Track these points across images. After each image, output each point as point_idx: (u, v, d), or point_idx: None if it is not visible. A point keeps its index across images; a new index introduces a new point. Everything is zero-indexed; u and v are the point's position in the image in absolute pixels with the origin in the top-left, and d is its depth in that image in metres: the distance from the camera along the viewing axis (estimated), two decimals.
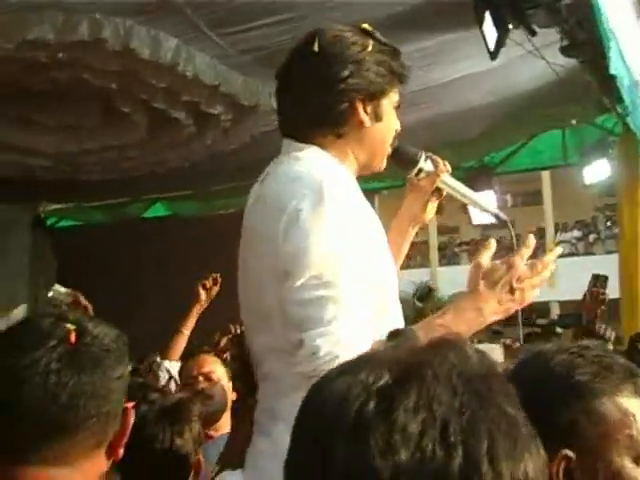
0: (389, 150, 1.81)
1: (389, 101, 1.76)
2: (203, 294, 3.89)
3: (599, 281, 4.52)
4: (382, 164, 1.81)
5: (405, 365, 0.71)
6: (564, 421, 1.20)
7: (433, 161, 1.94)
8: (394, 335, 0.99)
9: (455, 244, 26.26)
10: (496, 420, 0.69)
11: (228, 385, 3.07)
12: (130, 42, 3.97)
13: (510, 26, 3.55)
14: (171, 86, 4.56)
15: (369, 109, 1.71)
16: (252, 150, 5.11)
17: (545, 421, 1.19)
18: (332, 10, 4.06)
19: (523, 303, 1.62)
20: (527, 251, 1.65)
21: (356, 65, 1.68)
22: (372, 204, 1.97)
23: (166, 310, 4.44)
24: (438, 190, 1.98)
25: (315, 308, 1.50)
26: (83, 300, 3.63)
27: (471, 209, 7.20)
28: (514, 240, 1.84)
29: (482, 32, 3.50)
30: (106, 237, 7.92)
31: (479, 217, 7.56)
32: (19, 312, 5.04)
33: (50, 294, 3.74)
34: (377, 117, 1.73)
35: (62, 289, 3.69)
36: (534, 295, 1.62)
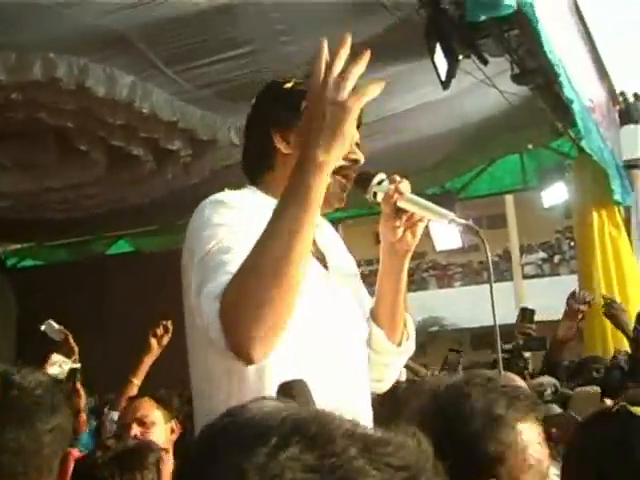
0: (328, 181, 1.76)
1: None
2: (154, 342, 3.71)
3: (526, 315, 4.62)
4: (327, 197, 1.67)
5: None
6: (491, 453, 1.24)
7: (390, 181, 1.81)
8: (283, 389, 0.95)
9: (422, 269, 26.39)
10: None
11: (165, 426, 3.02)
12: (85, 80, 3.96)
13: (460, 56, 3.61)
14: (128, 123, 4.55)
15: (289, 138, 1.74)
16: (213, 184, 5.09)
17: (472, 454, 1.23)
18: (286, 44, 4.11)
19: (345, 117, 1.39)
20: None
21: (270, 103, 1.79)
22: (337, 232, 2.01)
23: (131, 347, 4.39)
24: (404, 212, 1.79)
25: (211, 271, 1.49)
26: (71, 341, 3.58)
27: (435, 233, 7.26)
28: (487, 249, 1.82)
29: (434, 63, 3.56)
30: (69, 276, 7.83)
31: (442, 243, 7.64)
32: None
33: (43, 327, 3.69)
34: (295, 144, 1.71)
35: (55, 325, 3.65)
36: (357, 99, 1.40)
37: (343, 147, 1.40)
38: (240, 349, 1.42)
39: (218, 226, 1.57)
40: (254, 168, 1.81)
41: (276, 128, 1.76)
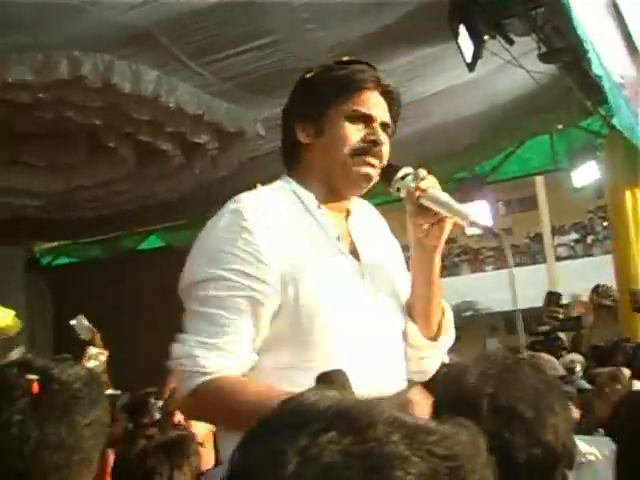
0: (349, 163, 1.76)
1: (335, 114, 1.77)
2: None
3: (553, 299, 4.56)
4: (348, 180, 1.78)
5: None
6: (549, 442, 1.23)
7: (415, 176, 1.77)
8: (322, 379, 0.96)
9: (454, 254, 26.23)
10: None
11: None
12: (111, 77, 3.98)
13: (486, 37, 3.56)
14: (155, 118, 4.57)
15: (309, 128, 1.78)
16: (241, 176, 5.12)
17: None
18: (311, 31, 4.08)
19: None
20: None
21: (294, 96, 1.84)
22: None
23: (169, 342, 4.43)
24: (428, 208, 1.74)
25: (187, 319, 1.68)
26: (98, 341, 3.60)
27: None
28: (507, 251, 1.79)
29: (458, 45, 3.52)
30: (103, 272, 7.92)
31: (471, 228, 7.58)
32: (16, 354, 5.02)
33: (73, 322, 3.71)
34: (318, 133, 1.77)
35: (85, 322, 3.67)
36: None
37: None
38: (184, 414, 1.87)
39: (231, 267, 1.63)
40: (287, 161, 1.86)
41: (298, 121, 1.80)
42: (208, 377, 1.58)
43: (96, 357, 2.80)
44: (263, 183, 1.84)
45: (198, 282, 1.66)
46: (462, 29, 3.43)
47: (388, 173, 1.78)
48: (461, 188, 7.00)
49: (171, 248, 8.36)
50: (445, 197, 1.71)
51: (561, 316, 4.94)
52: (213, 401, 1.60)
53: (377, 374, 1.63)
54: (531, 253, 24.81)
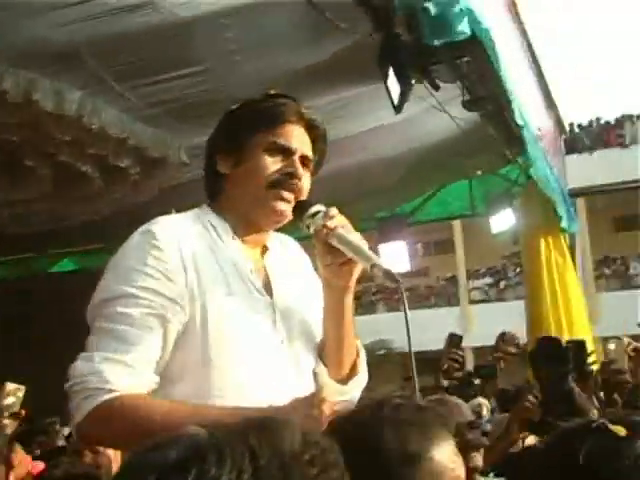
0: (264, 196, 1.75)
1: (255, 145, 1.78)
2: None
3: (453, 341, 4.65)
4: (262, 214, 1.77)
5: (195, 446, 0.74)
6: None
7: (325, 214, 1.71)
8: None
9: (370, 292, 26.47)
10: None
11: (115, 453, 2.96)
12: (32, 94, 3.87)
13: (413, 81, 3.64)
14: (77, 139, 4.46)
15: (229, 160, 1.80)
16: (162, 203, 5.04)
17: None
18: (240, 63, 4.09)
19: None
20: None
21: (218, 127, 1.86)
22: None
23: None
24: (335, 249, 1.68)
25: (92, 336, 1.64)
26: None
27: (383, 256, 7.30)
28: (404, 298, 1.62)
29: (386, 87, 3.57)
30: (9, 294, 7.62)
31: (390, 266, 7.67)
32: None
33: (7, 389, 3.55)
34: (236, 164, 1.79)
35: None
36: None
37: None
38: (80, 437, 1.68)
39: (140, 285, 1.61)
40: (208, 191, 1.87)
41: (219, 151, 1.82)
42: (113, 394, 1.52)
43: (14, 393, 2.67)
44: (184, 210, 1.82)
45: (106, 300, 1.62)
46: (391, 71, 3.49)
47: (300, 208, 1.75)
48: (381, 228, 7.09)
49: (85, 271, 8.16)
50: (353, 237, 1.65)
51: (460, 359, 5.00)
52: (117, 419, 1.52)
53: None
54: (447, 295, 25.27)
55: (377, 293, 26.26)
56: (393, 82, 3.55)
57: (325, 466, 0.75)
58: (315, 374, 1.71)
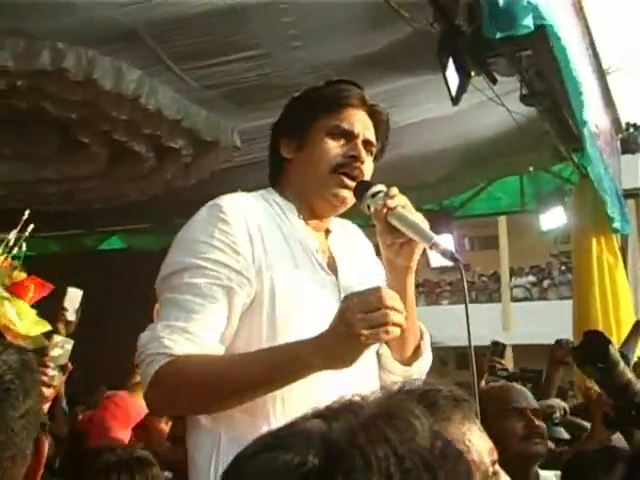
0: (326, 181, 1.75)
1: (318, 129, 1.78)
2: None
3: (497, 350, 4.55)
4: (323, 199, 1.77)
5: (335, 447, 0.65)
6: None
7: (386, 194, 1.72)
8: None
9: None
10: None
11: None
12: (92, 73, 3.92)
13: (472, 73, 3.60)
14: (132, 118, 4.51)
15: (292, 144, 1.81)
16: (212, 186, 5.08)
17: None
18: (297, 49, 4.08)
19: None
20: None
21: (283, 113, 1.88)
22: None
23: (120, 345, 4.34)
24: (395, 228, 1.71)
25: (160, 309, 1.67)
26: (69, 328, 3.49)
27: (430, 252, 7.24)
28: (464, 282, 1.68)
29: (445, 77, 3.54)
30: (59, 268, 7.75)
31: (437, 260, 7.62)
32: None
33: (71, 290, 3.60)
34: (299, 148, 1.80)
35: (78, 300, 3.55)
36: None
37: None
38: (150, 407, 1.69)
39: (207, 256, 1.62)
40: (271, 175, 1.89)
41: (283, 136, 1.83)
42: (171, 358, 1.54)
43: (62, 345, 2.71)
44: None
45: (172, 272, 1.64)
46: (450, 62, 3.45)
47: (360, 189, 1.75)
48: (428, 220, 7.04)
49: (132, 250, 8.27)
50: (412, 217, 1.67)
51: (500, 366, 4.94)
52: (176, 378, 1.53)
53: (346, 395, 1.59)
54: (488, 291, 25.04)
55: (419, 286, 26.16)
56: (452, 73, 3.51)
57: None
58: (379, 355, 1.73)
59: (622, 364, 2.14)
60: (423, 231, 1.65)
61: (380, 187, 1.72)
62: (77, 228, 8.11)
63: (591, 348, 2.21)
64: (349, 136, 1.77)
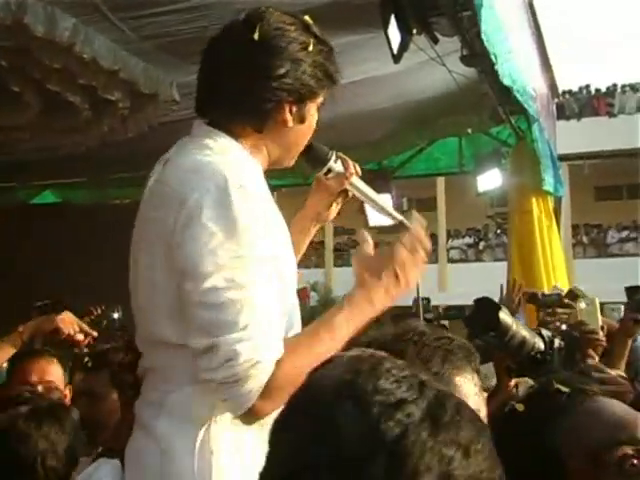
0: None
1: (315, 103, 1.70)
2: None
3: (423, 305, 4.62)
4: (292, 162, 1.77)
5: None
6: None
7: (343, 162, 1.86)
8: None
9: (351, 245, 26.56)
10: None
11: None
12: (23, 17, 3.77)
13: (414, 31, 3.60)
14: (67, 67, 4.36)
15: (295, 110, 1.65)
16: (149, 140, 4.98)
17: None
18: (237, 2, 4.00)
19: (409, 286, 1.63)
20: (412, 234, 1.66)
21: (293, 64, 1.62)
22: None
23: (52, 298, 4.26)
24: (345, 191, 1.92)
25: (228, 312, 1.45)
26: None
27: (368, 211, 7.27)
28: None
29: (387, 35, 3.53)
30: None
31: (375, 219, 7.67)
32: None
33: None
34: (300, 119, 1.67)
35: None
36: (417, 276, 1.62)
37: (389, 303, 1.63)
38: (259, 415, 1.48)
39: (250, 251, 1.48)
40: (235, 117, 1.66)
41: (290, 99, 1.64)
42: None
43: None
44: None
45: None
46: (392, 20, 3.44)
47: (318, 154, 1.81)
48: (367, 179, 7.05)
49: (67, 205, 8.09)
50: (364, 186, 1.90)
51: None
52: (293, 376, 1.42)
53: None
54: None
55: (357, 246, 26.33)
56: (394, 31, 3.50)
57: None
58: None
59: (514, 325, 2.19)
60: (383, 204, 1.92)
61: (332, 152, 1.85)
62: (8, 181, 7.88)
63: (482, 316, 2.26)
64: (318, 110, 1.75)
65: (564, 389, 1.27)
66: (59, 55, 4.21)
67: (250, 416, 1.48)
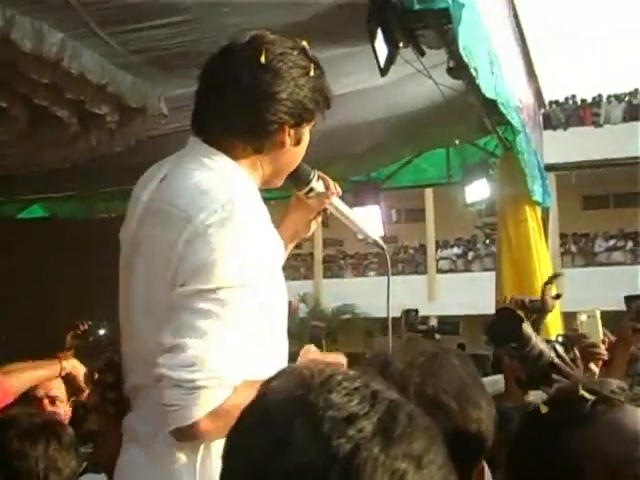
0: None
1: (310, 125, 1.74)
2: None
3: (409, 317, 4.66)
4: (282, 182, 1.81)
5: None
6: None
7: (324, 181, 1.93)
8: None
9: (340, 257, 26.56)
10: None
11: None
12: (10, 32, 3.77)
13: (401, 44, 3.62)
14: (54, 82, 4.36)
15: (292, 133, 1.69)
16: (137, 154, 4.98)
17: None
18: (227, 15, 4.02)
19: None
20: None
21: (296, 88, 1.65)
22: None
23: (39, 315, 4.25)
24: (324, 210, 1.99)
25: (207, 322, 1.47)
26: None
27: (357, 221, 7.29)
28: (388, 264, 2.13)
29: (374, 48, 3.55)
30: None
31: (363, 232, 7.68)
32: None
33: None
34: (297, 141, 1.71)
35: None
36: None
37: None
38: (197, 435, 1.47)
39: (244, 272, 1.51)
40: (235, 137, 1.68)
41: (289, 121, 1.67)
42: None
43: None
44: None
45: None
46: (379, 33, 3.47)
47: (301, 174, 1.89)
48: (355, 191, 7.09)
49: (55, 219, 8.06)
50: (342, 205, 1.99)
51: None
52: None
53: None
54: (415, 263, 25.45)
55: (345, 258, 26.37)
56: (381, 44, 3.52)
57: None
58: None
59: (533, 337, 2.20)
60: (359, 226, 2.02)
61: (314, 171, 1.92)
62: None
63: (504, 327, 2.26)
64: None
65: (589, 396, 1.26)
66: (47, 70, 4.21)
67: (189, 435, 1.46)
